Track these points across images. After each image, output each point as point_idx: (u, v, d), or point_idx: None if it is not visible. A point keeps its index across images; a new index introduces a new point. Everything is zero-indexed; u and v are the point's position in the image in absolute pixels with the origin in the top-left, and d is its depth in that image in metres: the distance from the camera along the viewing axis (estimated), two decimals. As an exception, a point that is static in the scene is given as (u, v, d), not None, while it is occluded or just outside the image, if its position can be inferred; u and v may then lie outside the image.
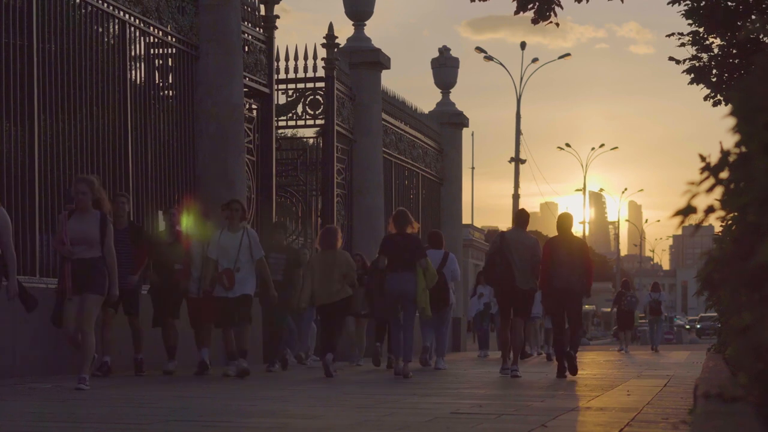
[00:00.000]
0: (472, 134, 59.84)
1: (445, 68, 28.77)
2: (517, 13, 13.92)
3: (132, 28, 14.58)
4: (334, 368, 12.20)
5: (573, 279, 12.44)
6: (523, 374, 12.87)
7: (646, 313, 28.96)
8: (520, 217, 13.35)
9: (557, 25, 13.89)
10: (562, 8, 13.76)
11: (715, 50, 15.77)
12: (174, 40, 15.64)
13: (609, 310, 59.01)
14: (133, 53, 14.72)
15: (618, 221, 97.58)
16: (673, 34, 15.83)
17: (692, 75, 15.71)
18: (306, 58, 20.30)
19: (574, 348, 12.62)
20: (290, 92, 20.49)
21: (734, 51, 15.60)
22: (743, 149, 2.74)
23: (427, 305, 12.59)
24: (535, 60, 43.24)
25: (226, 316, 12.19)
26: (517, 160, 43.04)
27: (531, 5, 13.80)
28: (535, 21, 13.85)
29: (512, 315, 12.93)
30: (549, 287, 12.50)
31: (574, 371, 12.51)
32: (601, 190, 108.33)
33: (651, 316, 27.99)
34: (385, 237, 13.04)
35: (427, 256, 12.75)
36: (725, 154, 2.81)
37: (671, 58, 15.92)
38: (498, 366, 13.66)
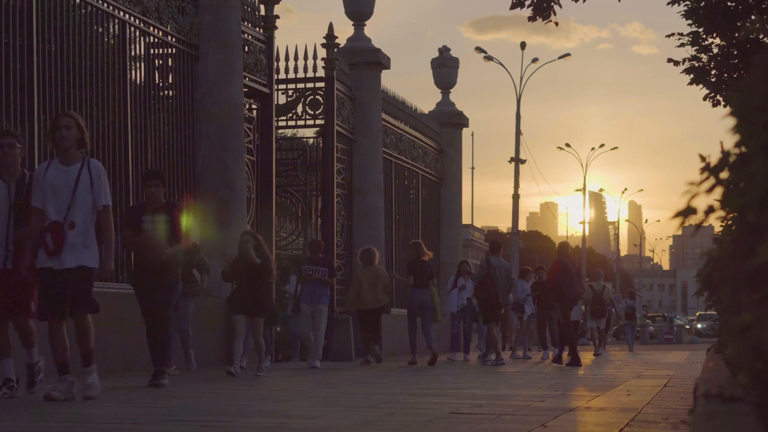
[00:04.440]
0: (472, 134, 59.90)
1: (445, 68, 28.77)
2: (513, 8, 13.79)
3: (132, 28, 14.58)
4: (378, 357, 16.37)
5: (579, 291, 16.42)
6: (523, 374, 13.31)
7: (621, 318, 30.43)
8: (496, 245, 17.33)
9: (556, 24, 13.72)
10: (560, 6, 13.65)
11: (715, 50, 15.75)
12: (174, 40, 15.65)
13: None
14: (133, 53, 14.73)
15: (618, 221, 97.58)
16: (673, 34, 15.81)
17: (692, 75, 15.69)
18: (306, 58, 20.31)
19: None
20: (290, 92, 20.49)
21: (734, 51, 15.58)
22: (743, 149, 2.74)
23: (438, 313, 17.07)
24: (535, 60, 43.19)
25: (54, 301, 7.79)
26: (517, 160, 43.01)
27: (528, 1, 13.66)
28: (532, 18, 13.69)
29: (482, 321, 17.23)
30: (562, 297, 16.02)
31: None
32: (601, 190, 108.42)
33: (626, 320, 30.23)
34: (410, 262, 17.45)
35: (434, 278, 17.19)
36: (725, 154, 2.81)
37: (670, 60, 15.89)
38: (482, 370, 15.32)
